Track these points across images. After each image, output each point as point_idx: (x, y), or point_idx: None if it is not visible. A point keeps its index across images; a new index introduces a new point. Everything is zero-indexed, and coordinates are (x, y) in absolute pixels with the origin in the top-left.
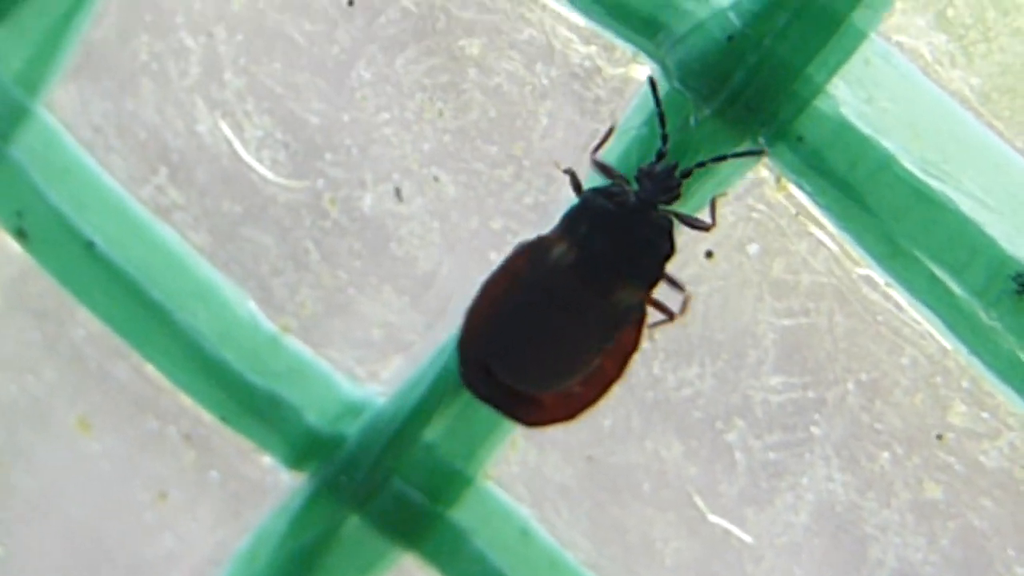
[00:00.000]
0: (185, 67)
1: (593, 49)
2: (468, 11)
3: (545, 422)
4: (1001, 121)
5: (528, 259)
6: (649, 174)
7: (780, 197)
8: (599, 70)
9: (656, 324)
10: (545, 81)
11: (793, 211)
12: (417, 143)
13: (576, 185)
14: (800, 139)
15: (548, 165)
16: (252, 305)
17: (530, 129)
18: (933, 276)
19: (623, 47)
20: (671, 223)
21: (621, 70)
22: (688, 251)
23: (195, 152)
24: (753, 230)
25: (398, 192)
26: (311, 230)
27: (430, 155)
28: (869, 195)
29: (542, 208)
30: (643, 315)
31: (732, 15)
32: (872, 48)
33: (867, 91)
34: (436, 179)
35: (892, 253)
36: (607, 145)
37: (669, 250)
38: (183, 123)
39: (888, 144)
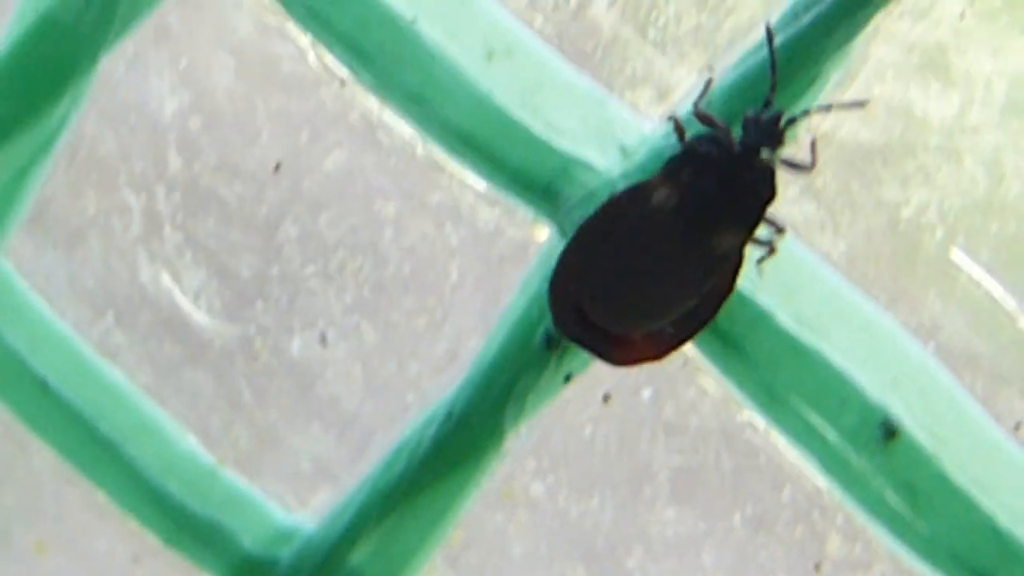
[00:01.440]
0: (128, 222)
1: (497, 212)
2: (384, 176)
3: (636, 361)
4: (866, 282)
5: (629, 202)
6: (755, 121)
7: None
8: (503, 231)
9: (762, 259)
10: (454, 241)
11: (681, 361)
12: (340, 294)
13: (679, 132)
14: None
15: (459, 316)
16: (192, 439)
17: (441, 284)
18: (808, 422)
19: (524, 211)
20: (774, 169)
21: (523, 231)
22: (588, 395)
23: (138, 299)
24: (647, 377)
25: (323, 338)
26: (244, 372)
27: (352, 305)
28: (748, 347)
29: (453, 355)
30: (740, 259)
31: (620, 184)
32: None
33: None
34: (358, 327)
35: (771, 400)
36: (707, 96)
37: (771, 195)
38: (127, 273)
39: (765, 300)
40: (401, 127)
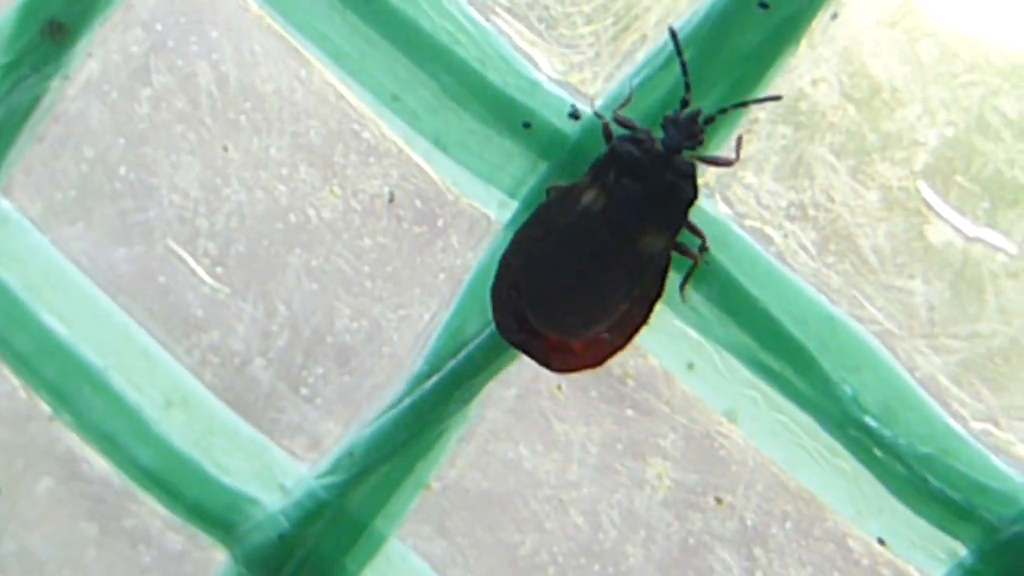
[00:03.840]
0: None
1: (182, 537)
2: (86, 502)
3: (576, 367)
4: None
5: (560, 205)
6: (674, 121)
7: None
8: (189, 553)
9: (687, 278)
10: (147, 559)
11: None
12: None
13: (607, 134)
14: None
15: None
16: None
17: None
18: None
19: (205, 537)
20: (694, 168)
21: (206, 553)
22: None
23: None
24: None
25: None
26: None
27: None
28: None
29: None
30: (667, 262)
31: (282, 518)
32: (392, 547)
33: None
34: None
35: None
36: (628, 104)
37: (693, 195)
38: None
39: None
40: (100, 460)
